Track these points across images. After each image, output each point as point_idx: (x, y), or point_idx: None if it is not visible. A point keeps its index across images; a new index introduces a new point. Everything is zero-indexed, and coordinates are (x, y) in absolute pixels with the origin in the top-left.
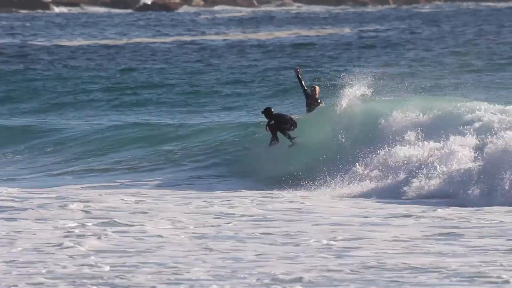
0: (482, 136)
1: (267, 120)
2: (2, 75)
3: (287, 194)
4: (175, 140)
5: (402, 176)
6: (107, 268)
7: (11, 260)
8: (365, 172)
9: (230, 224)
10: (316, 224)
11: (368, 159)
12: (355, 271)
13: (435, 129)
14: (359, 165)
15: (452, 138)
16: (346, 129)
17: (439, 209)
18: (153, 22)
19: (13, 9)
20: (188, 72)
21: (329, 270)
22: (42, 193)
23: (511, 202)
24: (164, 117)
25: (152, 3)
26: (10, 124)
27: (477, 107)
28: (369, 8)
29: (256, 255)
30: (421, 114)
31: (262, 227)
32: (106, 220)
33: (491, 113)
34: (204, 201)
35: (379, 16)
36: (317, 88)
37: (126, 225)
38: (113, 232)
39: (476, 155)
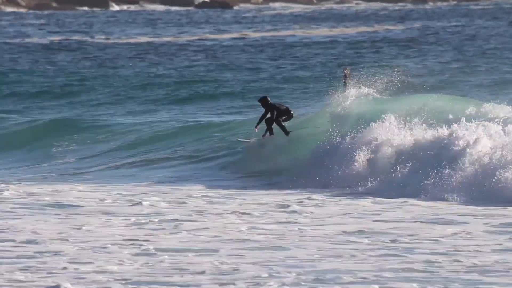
0: None
1: (263, 109)
2: (63, 70)
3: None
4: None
5: None
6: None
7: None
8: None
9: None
10: None
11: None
12: None
13: None
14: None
15: None
16: None
17: None
18: (213, 19)
19: (73, 7)
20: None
21: None
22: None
23: None
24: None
25: (211, 0)
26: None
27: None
28: (429, 6)
29: None
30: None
31: None
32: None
33: None
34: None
35: (441, 13)
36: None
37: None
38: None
39: None
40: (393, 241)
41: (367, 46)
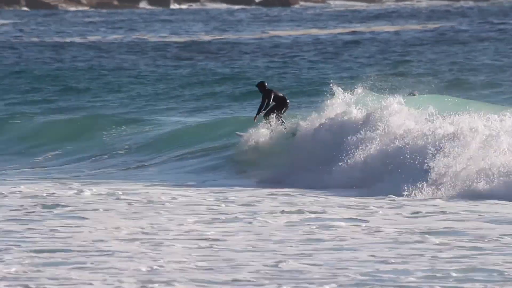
0: None
1: (261, 93)
2: (124, 70)
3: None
4: None
5: None
6: None
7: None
8: None
9: None
10: None
11: None
12: None
13: None
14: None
15: None
16: None
17: None
18: (274, 17)
19: (134, 4)
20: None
21: None
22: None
23: None
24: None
25: None
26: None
27: None
28: (486, 3)
29: None
30: None
31: None
32: None
33: None
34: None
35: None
36: None
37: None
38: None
39: None
40: (465, 241)
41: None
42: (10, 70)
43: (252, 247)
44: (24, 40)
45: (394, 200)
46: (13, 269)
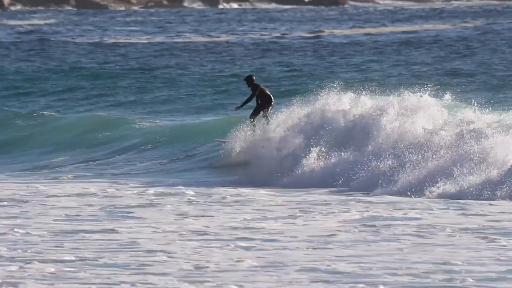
0: None
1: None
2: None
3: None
4: None
5: None
6: None
7: None
8: None
9: None
10: None
11: None
12: None
13: None
14: None
15: None
16: None
17: None
18: (344, 16)
19: (183, 4)
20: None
21: None
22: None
23: None
24: None
25: None
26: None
27: None
28: None
29: None
30: None
31: None
32: None
33: None
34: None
35: None
36: None
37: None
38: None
39: None
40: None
41: None
42: (62, 68)
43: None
44: (74, 39)
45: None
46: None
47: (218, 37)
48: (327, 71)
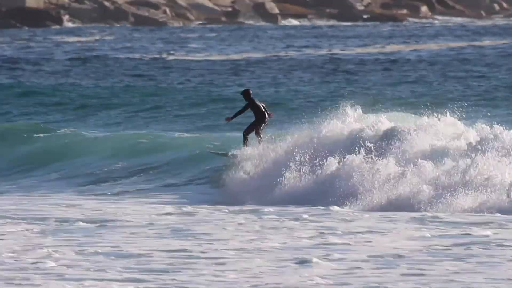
0: None
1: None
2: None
3: None
4: None
5: None
6: None
7: None
8: None
9: None
10: None
11: None
12: None
13: None
14: None
15: None
16: None
17: None
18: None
19: (240, 21)
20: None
21: None
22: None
23: None
24: None
25: (380, 14)
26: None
27: None
28: None
29: None
30: None
31: None
32: None
33: None
34: None
35: None
36: None
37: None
38: None
39: None
40: None
41: None
42: (123, 83)
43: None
44: (133, 55)
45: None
46: None
47: (286, 53)
48: (410, 93)
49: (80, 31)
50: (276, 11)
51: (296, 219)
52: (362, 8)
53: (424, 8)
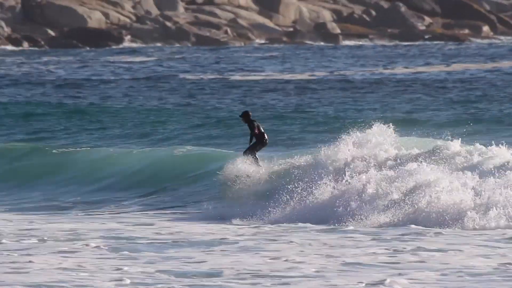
0: None
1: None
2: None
3: None
4: None
5: None
6: None
7: None
8: None
9: None
10: None
11: None
12: None
13: None
14: None
15: None
16: None
17: None
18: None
19: (302, 41)
20: None
21: None
22: None
23: None
24: None
25: (441, 34)
26: None
27: None
28: None
29: None
30: None
31: None
32: None
33: None
34: None
35: None
36: None
37: None
38: None
39: None
40: None
41: None
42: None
43: None
44: (196, 75)
45: None
46: None
47: (353, 74)
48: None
49: (142, 50)
50: (338, 31)
51: None
52: (423, 28)
53: (485, 28)
